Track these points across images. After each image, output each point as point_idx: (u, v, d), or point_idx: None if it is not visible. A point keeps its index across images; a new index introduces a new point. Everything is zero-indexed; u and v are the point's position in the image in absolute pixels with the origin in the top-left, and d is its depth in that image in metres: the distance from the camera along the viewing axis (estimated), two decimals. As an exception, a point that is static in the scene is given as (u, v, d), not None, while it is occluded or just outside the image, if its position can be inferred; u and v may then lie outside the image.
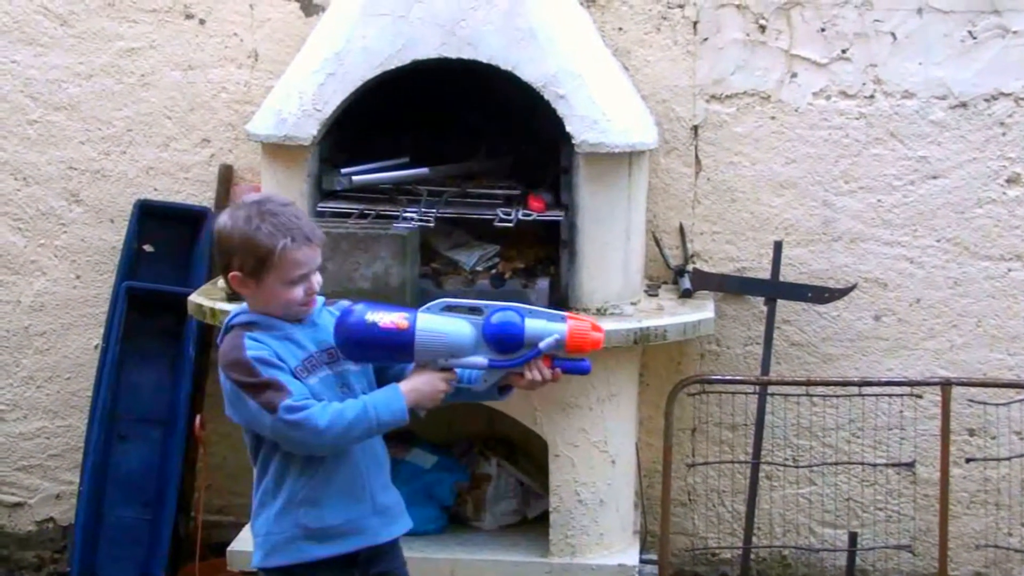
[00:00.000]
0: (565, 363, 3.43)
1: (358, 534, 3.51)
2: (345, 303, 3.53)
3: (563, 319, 3.37)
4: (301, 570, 3.50)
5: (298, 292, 3.42)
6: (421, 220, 4.63)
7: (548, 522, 4.75)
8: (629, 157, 4.73)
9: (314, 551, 3.48)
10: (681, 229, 5.21)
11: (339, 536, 3.49)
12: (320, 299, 3.52)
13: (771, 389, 5.11)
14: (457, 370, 3.44)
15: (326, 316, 3.54)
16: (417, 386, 3.39)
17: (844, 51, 5.10)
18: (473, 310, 3.39)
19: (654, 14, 5.14)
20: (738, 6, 5.11)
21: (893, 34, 5.06)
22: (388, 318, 3.32)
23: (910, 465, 5.16)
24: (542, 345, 3.34)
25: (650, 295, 4.99)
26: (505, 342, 3.35)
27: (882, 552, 5.24)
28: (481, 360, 3.38)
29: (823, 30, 5.08)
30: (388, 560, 3.63)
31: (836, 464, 5.23)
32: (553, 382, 3.45)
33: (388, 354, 3.40)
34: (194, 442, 5.19)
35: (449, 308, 3.40)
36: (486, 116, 5.06)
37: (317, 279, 3.47)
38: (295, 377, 3.39)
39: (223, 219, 3.45)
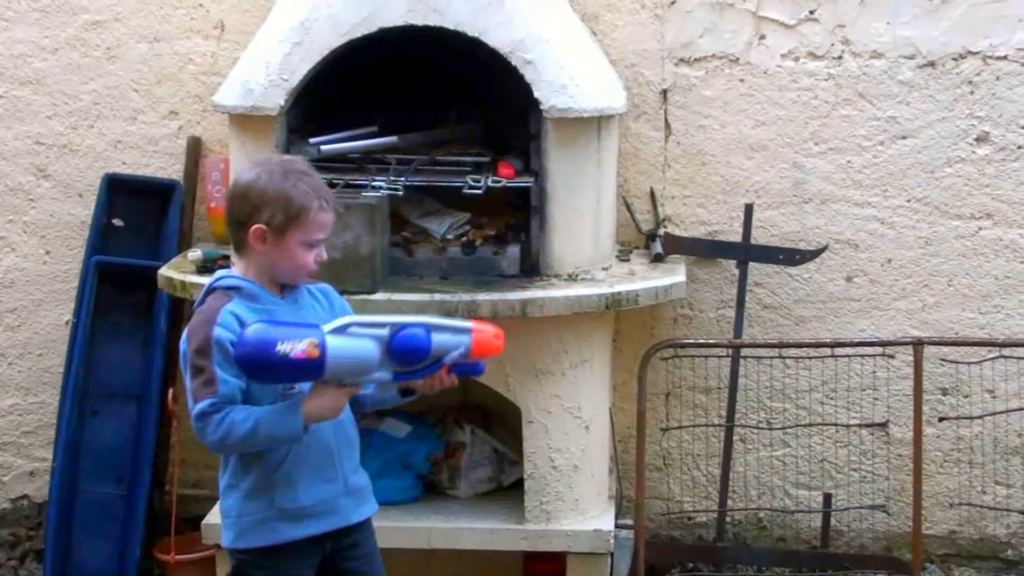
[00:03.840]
0: (460, 368, 3.44)
1: (331, 514, 3.52)
2: (324, 285, 3.57)
3: (468, 331, 3.36)
4: (274, 551, 3.50)
5: (310, 257, 3.45)
6: (390, 188, 4.61)
7: (523, 489, 4.75)
8: (598, 122, 4.72)
9: (289, 532, 3.49)
10: (652, 193, 5.21)
11: (313, 516, 3.49)
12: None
13: (744, 352, 5.12)
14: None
15: (306, 296, 3.56)
16: (321, 405, 3.36)
17: (812, 12, 5.09)
18: (378, 326, 3.35)
19: (621, -22, 5.14)
20: (705, -31, 5.11)
21: (860, -6, 5.07)
22: (299, 348, 3.25)
23: (883, 425, 5.18)
24: (447, 359, 3.34)
25: (622, 260, 4.98)
26: (411, 358, 3.34)
27: (857, 512, 5.26)
28: (386, 375, 3.36)
29: (790, -9, 5.09)
30: (356, 532, 3.62)
31: (810, 426, 5.25)
32: (450, 386, 3.46)
33: (297, 379, 3.36)
34: (167, 416, 5.18)
35: (355, 325, 3.34)
36: (455, 83, 5.04)
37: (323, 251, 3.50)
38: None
39: (250, 174, 3.45)
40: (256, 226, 3.41)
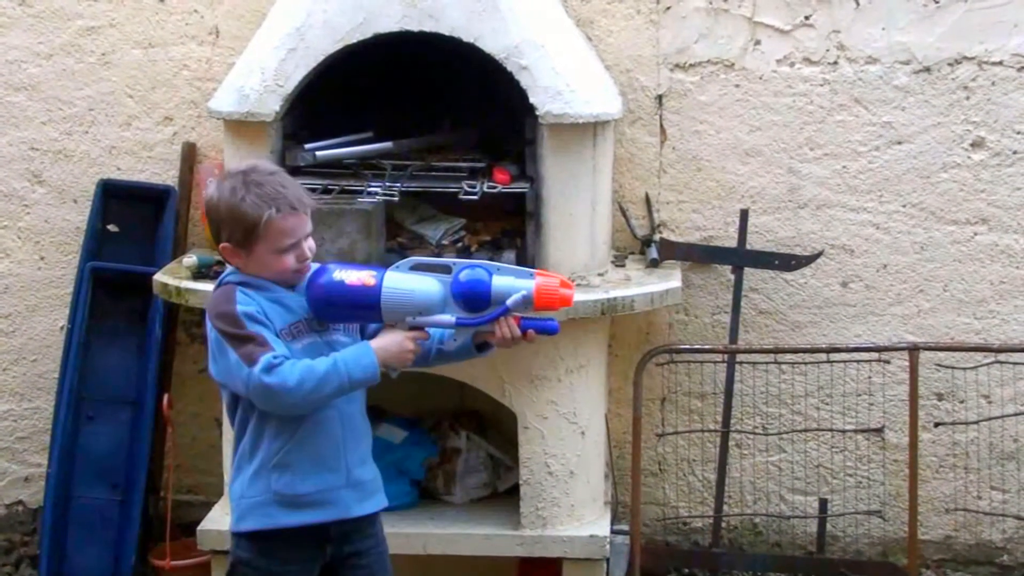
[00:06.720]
0: (532, 323, 3.40)
1: (330, 505, 3.49)
2: None
3: (531, 276, 3.36)
4: (271, 537, 3.49)
5: (289, 260, 3.42)
6: (386, 194, 4.61)
7: (519, 495, 4.74)
8: (594, 127, 4.71)
9: (284, 518, 3.47)
10: (647, 199, 5.21)
11: (310, 505, 3.47)
12: (315, 266, 3.52)
13: (740, 357, 5.12)
14: (428, 330, 3.43)
15: None
16: (385, 345, 3.37)
17: (807, 17, 5.09)
18: (442, 268, 3.39)
19: (616, -17, 5.14)
20: (700, -26, 5.11)
21: None
22: (355, 275, 3.33)
23: (879, 431, 5.18)
24: (509, 302, 3.32)
25: (617, 265, 4.98)
26: (473, 299, 3.34)
27: (852, 518, 5.26)
28: (448, 318, 3.37)
29: (786, -3, 5.10)
30: (363, 539, 3.59)
31: (805, 431, 5.24)
32: (526, 342, 3.43)
33: (356, 312, 3.39)
34: (162, 422, 5.18)
35: (418, 266, 3.39)
36: (450, 89, 5.04)
37: (309, 245, 3.46)
38: (279, 338, 3.38)
39: (211, 190, 3.46)
40: (223, 245, 3.43)
